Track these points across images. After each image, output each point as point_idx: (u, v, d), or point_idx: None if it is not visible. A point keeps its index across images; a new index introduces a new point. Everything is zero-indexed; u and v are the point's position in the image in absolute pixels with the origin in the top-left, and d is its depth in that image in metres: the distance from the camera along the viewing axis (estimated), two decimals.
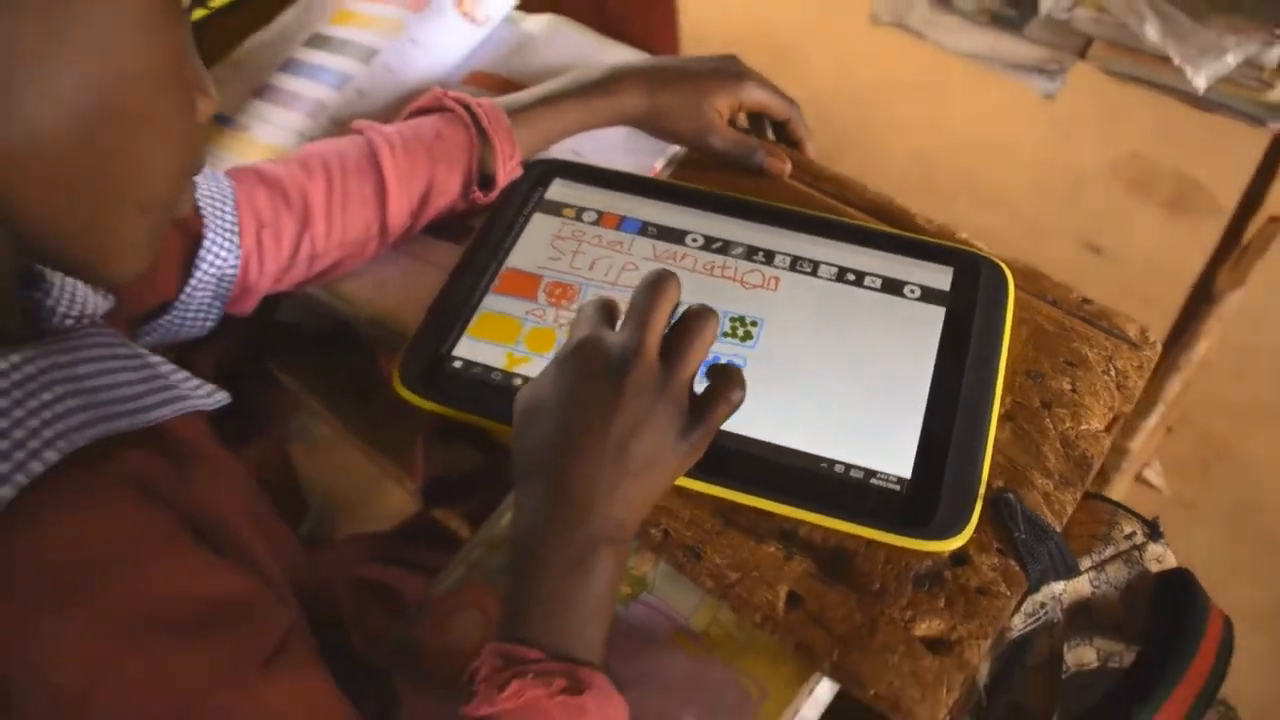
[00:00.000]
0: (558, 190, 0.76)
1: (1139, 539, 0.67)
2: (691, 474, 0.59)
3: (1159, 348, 0.69)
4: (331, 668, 0.49)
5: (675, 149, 0.82)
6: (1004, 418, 0.65)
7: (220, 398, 0.45)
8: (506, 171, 0.74)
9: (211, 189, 0.67)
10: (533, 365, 0.66)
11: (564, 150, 0.80)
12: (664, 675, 0.62)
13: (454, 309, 0.69)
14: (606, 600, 0.53)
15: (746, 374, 0.55)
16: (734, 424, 0.61)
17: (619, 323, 0.56)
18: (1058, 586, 0.63)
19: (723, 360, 0.63)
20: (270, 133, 0.83)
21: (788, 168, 0.79)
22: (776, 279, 0.70)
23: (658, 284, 0.55)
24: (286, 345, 0.96)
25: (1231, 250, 1.32)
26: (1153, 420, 1.35)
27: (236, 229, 0.68)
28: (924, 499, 0.59)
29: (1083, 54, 1.18)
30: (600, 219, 0.74)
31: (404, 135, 0.72)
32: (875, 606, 0.58)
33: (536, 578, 0.52)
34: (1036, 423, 0.65)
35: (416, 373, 0.66)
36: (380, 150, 0.71)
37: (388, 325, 0.72)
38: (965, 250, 0.72)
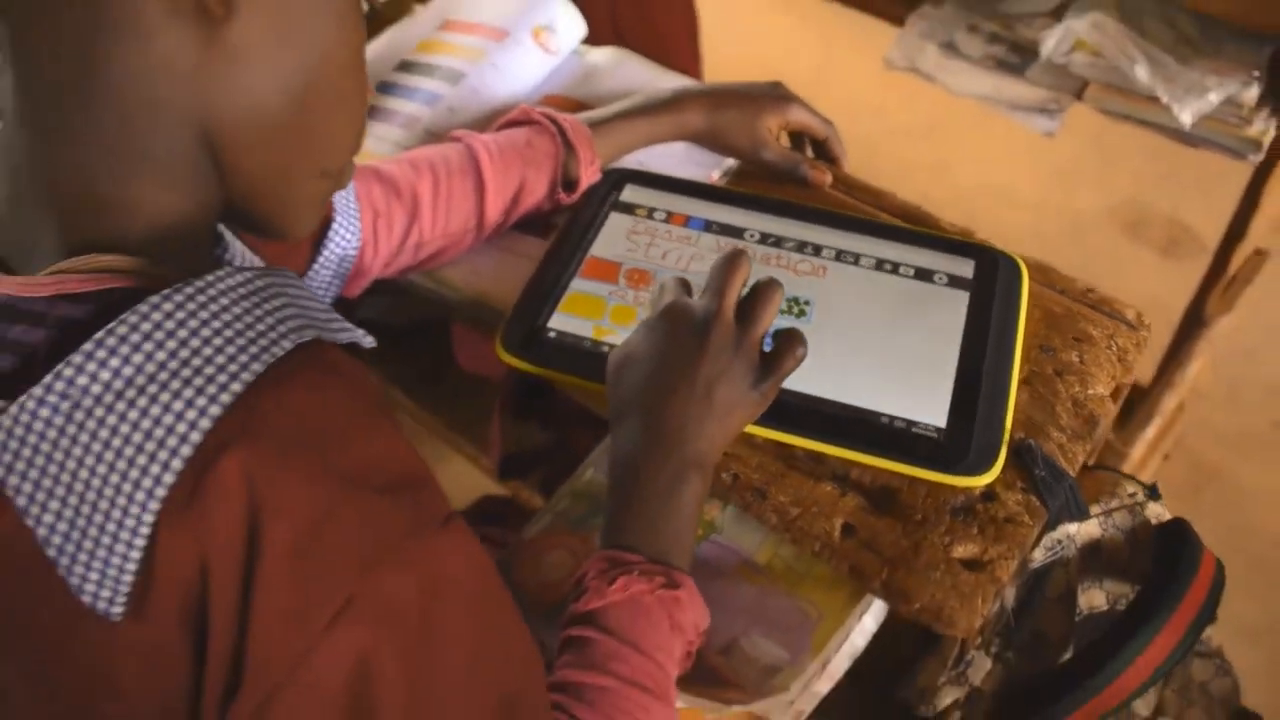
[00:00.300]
0: (630, 193, 0.87)
1: (1140, 498, 0.77)
2: (761, 422, 0.69)
3: (1150, 329, 0.79)
4: None
5: (730, 162, 0.93)
6: (1022, 383, 0.75)
7: (370, 341, 0.55)
8: (587, 176, 0.85)
9: None
10: (617, 336, 0.76)
11: (630, 163, 0.91)
12: (733, 601, 0.71)
13: (546, 290, 0.79)
14: (693, 518, 0.63)
15: None
16: (795, 382, 0.71)
17: (696, 294, 0.67)
18: (1072, 528, 0.72)
19: None
20: (370, 144, 0.94)
21: (828, 179, 0.90)
22: (824, 268, 0.81)
23: (733, 259, 0.66)
24: None
25: (1219, 280, 1.43)
26: (1150, 432, 1.46)
27: (358, 216, 0.78)
28: (958, 443, 0.69)
29: (1079, 95, 1.30)
30: (670, 217, 0.85)
31: (499, 143, 0.84)
32: (918, 533, 0.67)
33: (637, 495, 0.62)
34: (1050, 387, 0.75)
35: (516, 341, 0.76)
36: (480, 154, 0.82)
37: (485, 305, 0.83)
38: (984, 245, 0.83)
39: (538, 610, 0.72)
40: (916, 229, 0.85)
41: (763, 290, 0.66)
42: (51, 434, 0.43)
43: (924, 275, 0.80)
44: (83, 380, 0.43)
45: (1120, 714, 0.76)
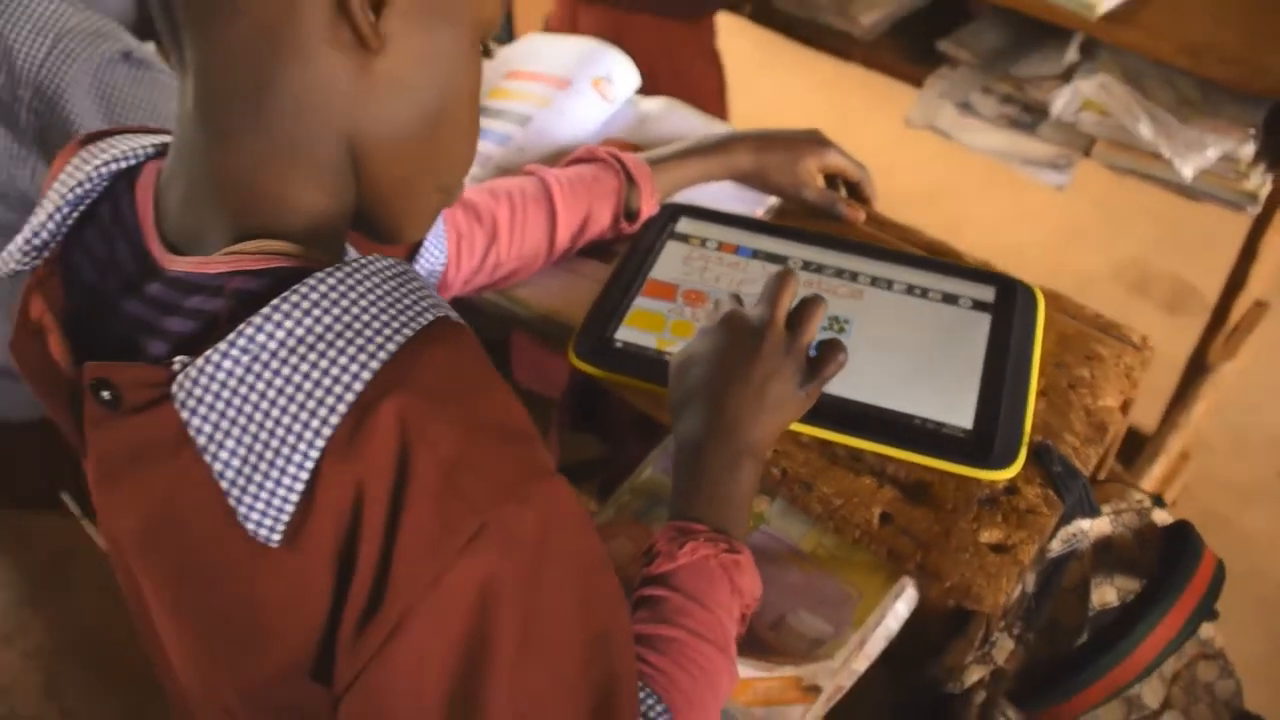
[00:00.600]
0: (685, 225, 0.96)
1: (1147, 504, 0.85)
2: (808, 420, 0.78)
3: (1154, 350, 0.88)
4: None
5: (773, 200, 1.03)
6: (1039, 395, 0.84)
7: (456, 316, 0.63)
8: (648, 208, 0.95)
9: None
10: (677, 346, 0.85)
11: (681, 199, 1.01)
12: (781, 582, 0.79)
13: (611, 307, 0.88)
14: (748, 498, 0.71)
15: None
16: (837, 388, 0.80)
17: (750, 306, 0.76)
18: (1085, 523, 0.80)
19: None
20: None
21: (862, 216, 1.00)
22: (861, 291, 0.90)
23: (784, 276, 0.75)
24: None
25: (1221, 327, 1.52)
26: (1156, 471, 1.53)
27: (445, 237, 0.88)
28: (983, 442, 0.78)
29: (1087, 151, 1.40)
30: (721, 246, 0.94)
31: (569, 176, 0.94)
32: (949, 520, 0.76)
33: (700, 475, 0.70)
34: (1064, 398, 0.83)
35: (586, 350, 0.85)
36: (552, 186, 0.92)
37: (554, 320, 0.92)
38: (1003, 275, 0.92)
39: None
40: (942, 259, 0.94)
41: (809, 303, 0.75)
42: (232, 383, 0.52)
43: (950, 299, 0.89)
44: (261, 338, 0.52)
45: (1131, 705, 0.83)
